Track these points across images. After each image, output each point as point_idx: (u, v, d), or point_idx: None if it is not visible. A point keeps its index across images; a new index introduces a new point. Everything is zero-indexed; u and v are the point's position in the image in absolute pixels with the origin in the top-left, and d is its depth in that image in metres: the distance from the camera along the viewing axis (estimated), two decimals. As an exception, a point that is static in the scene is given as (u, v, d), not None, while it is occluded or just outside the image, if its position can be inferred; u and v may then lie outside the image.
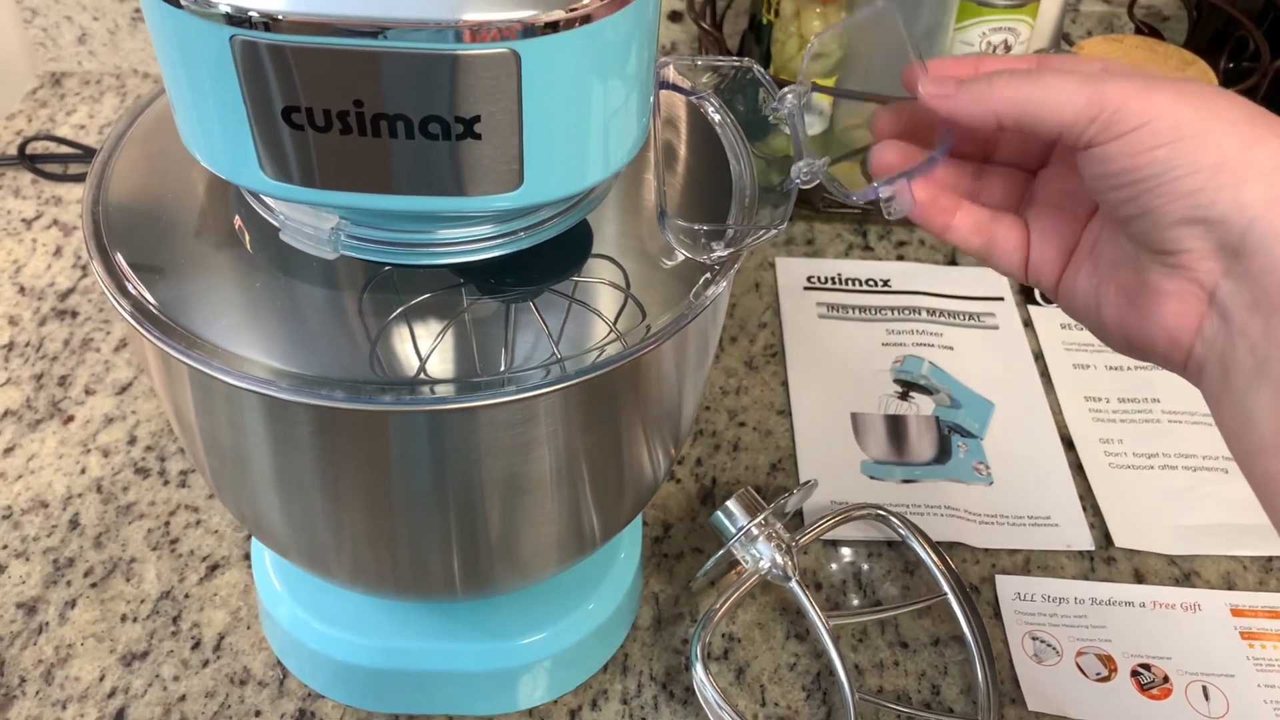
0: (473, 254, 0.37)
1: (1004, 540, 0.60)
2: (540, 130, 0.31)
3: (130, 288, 0.37)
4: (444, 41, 0.28)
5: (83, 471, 0.61)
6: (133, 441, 0.63)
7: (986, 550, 0.60)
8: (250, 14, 0.28)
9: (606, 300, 0.38)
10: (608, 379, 0.36)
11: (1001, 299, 0.75)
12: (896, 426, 0.66)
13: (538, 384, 0.35)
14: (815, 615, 0.52)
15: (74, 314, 0.70)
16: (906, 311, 0.74)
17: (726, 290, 0.40)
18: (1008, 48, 0.75)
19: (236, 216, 0.39)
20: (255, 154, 0.31)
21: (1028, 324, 0.74)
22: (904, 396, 0.68)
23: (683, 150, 0.44)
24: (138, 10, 0.90)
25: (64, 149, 0.83)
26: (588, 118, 0.32)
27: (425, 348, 0.36)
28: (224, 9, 0.29)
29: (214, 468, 0.43)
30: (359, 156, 0.31)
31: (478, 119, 0.30)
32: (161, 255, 0.38)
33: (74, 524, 0.58)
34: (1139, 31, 0.86)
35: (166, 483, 0.61)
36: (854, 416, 0.66)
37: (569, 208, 0.38)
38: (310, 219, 0.35)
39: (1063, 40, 0.84)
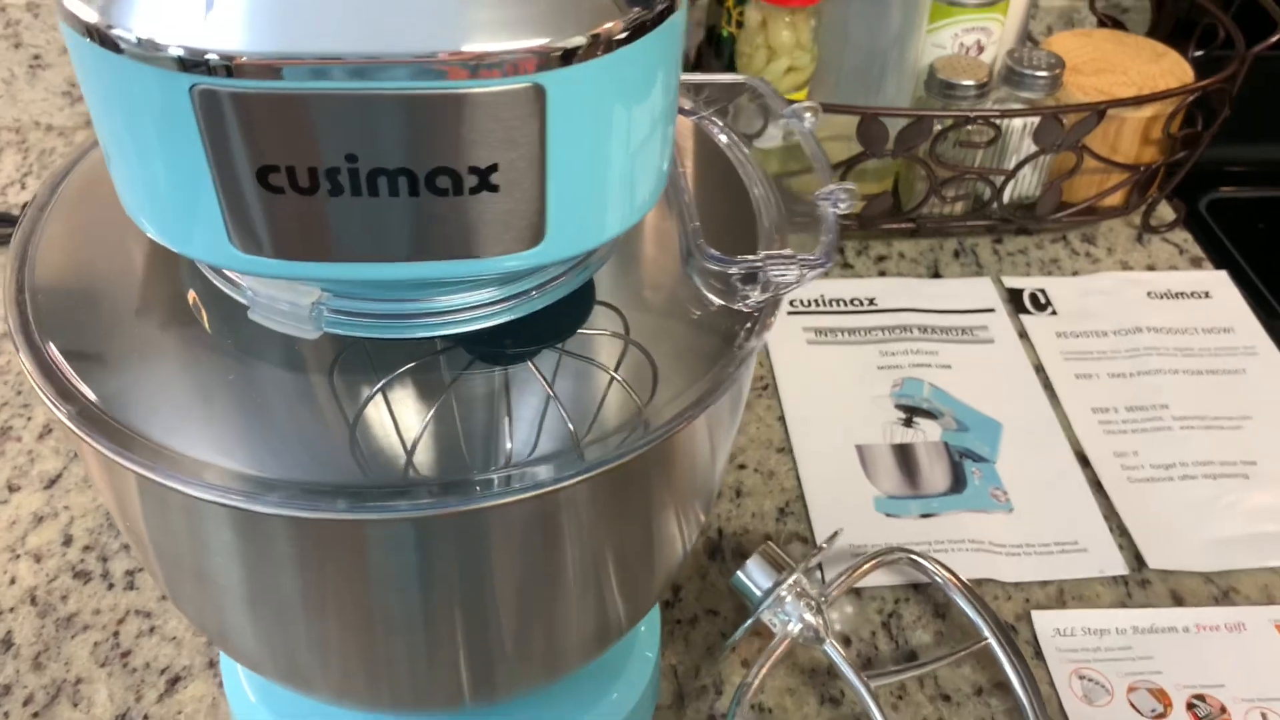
0: (478, 321, 0.31)
1: (1034, 572, 0.56)
2: (565, 176, 0.26)
3: (69, 385, 0.30)
4: (455, 79, 0.23)
5: (13, 581, 0.54)
6: (68, 541, 0.55)
7: (1017, 584, 0.56)
8: (209, 56, 0.23)
9: (611, 358, 0.33)
10: (638, 459, 0.31)
11: (992, 310, 0.72)
12: (906, 456, 0.62)
13: (561, 476, 0.30)
14: (855, 678, 0.47)
15: (-12, 399, 0.63)
16: (897, 330, 0.70)
17: (763, 341, 0.35)
18: (980, 48, 0.72)
19: (191, 291, 0.33)
20: (222, 225, 0.26)
21: (1023, 335, 0.70)
22: (908, 423, 0.64)
23: (693, 180, 0.39)
24: (36, 57, 0.82)
25: (-37, 214, 0.75)
26: (617, 157, 0.27)
27: (416, 435, 0.31)
28: (176, 52, 0.23)
29: (172, 582, 0.37)
30: (351, 221, 0.25)
31: (494, 168, 0.25)
32: (103, 343, 0.32)
33: (7, 644, 0.51)
34: (1101, 24, 0.84)
35: (111, 586, 0.54)
36: (859, 449, 0.62)
37: (580, 261, 0.33)
38: (286, 294, 0.30)
39: (1028, 38, 0.81)
